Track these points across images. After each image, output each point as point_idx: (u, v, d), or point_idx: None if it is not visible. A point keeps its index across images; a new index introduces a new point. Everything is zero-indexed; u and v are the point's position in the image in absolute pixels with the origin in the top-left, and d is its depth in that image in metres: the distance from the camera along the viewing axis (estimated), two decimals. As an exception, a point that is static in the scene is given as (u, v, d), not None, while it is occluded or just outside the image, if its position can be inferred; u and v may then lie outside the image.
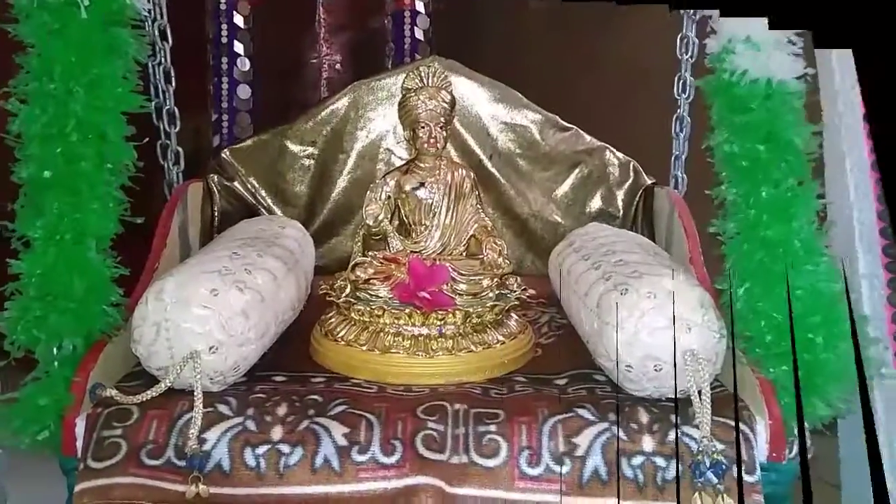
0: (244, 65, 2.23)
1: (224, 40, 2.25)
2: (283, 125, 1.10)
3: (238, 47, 2.23)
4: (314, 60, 2.57)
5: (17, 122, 0.70)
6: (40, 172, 0.70)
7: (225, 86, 2.27)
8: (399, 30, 2.51)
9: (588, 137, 1.10)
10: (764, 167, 0.70)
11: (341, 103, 1.09)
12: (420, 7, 2.47)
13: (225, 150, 1.07)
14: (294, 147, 1.08)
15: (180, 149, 1.02)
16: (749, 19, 0.72)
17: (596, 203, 1.10)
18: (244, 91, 2.26)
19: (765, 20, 0.70)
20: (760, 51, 0.71)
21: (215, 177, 1.04)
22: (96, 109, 0.70)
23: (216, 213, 1.03)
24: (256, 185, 1.07)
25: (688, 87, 1.04)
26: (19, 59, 0.72)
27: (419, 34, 2.51)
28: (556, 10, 2.44)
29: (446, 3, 2.66)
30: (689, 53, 1.02)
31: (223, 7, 2.19)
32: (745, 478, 0.62)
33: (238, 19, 2.21)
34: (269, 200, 1.08)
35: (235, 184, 1.06)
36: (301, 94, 2.61)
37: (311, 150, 1.09)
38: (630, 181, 1.08)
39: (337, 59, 2.58)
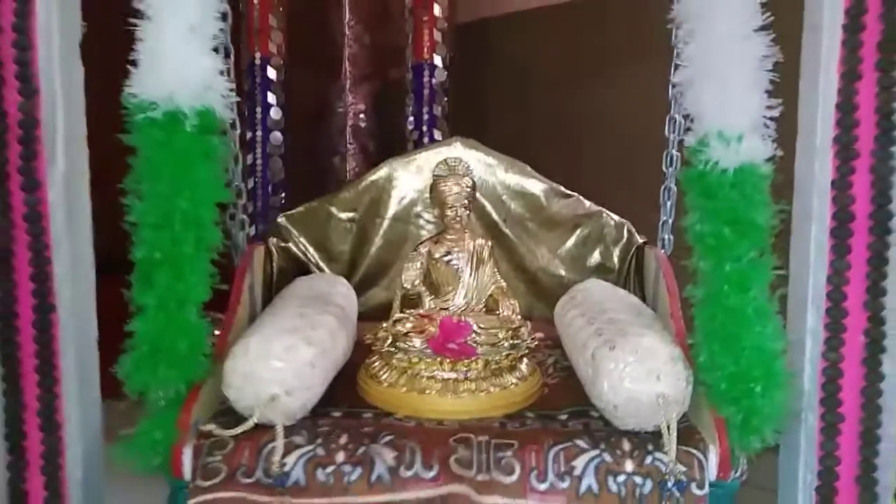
0: (277, 114, 2.44)
1: (258, 92, 2.46)
2: (329, 195, 1.29)
3: (271, 98, 2.45)
4: (340, 109, 2.76)
5: (134, 214, 0.89)
6: (152, 253, 0.89)
7: (259, 133, 2.48)
8: (419, 81, 2.70)
9: (587, 203, 1.28)
10: (728, 245, 0.87)
11: (377, 175, 1.28)
12: (438, 61, 2.66)
13: (280, 216, 1.26)
14: (338, 213, 1.27)
15: (245, 216, 1.20)
16: (725, 112, 0.89)
17: (595, 259, 1.28)
18: (276, 138, 2.47)
19: (740, 110, 0.86)
20: (730, 144, 0.88)
21: (274, 240, 1.23)
22: (196, 203, 0.89)
23: (275, 271, 1.22)
24: (307, 246, 1.26)
25: (674, 161, 1.19)
26: (131, 160, 0.91)
27: (437, 85, 2.71)
28: (562, 67, 2.62)
29: (461, 55, 2.84)
30: (676, 132, 1.18)
31: (258, 62, 2.40)
32: (696, 492, 0.80)
33: (271, 73, 2.42)
34: (317, 258, 1.26)
35: (290, 245, 1.24)
36: (328, 139, 2.80)
37: (352, 215, 1.27)
38: (624, 240, 1.26)
39: (361, 107, 2.77)
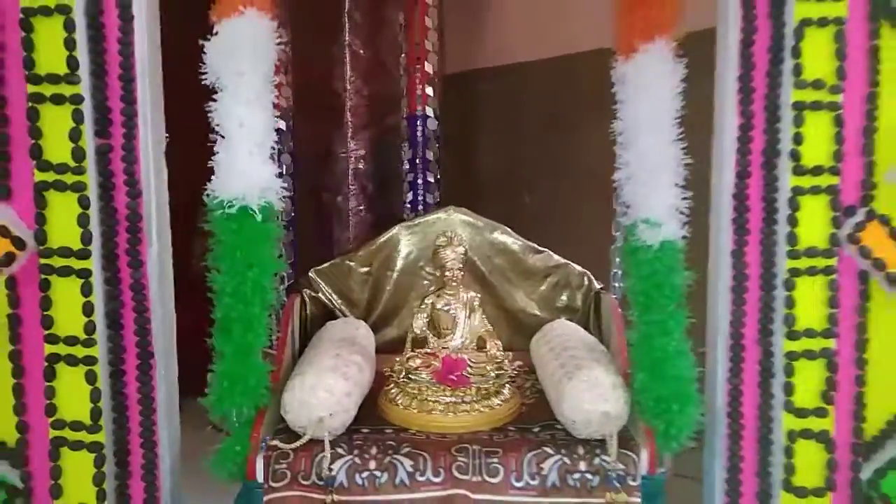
0: (287, 160, 2.72)
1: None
2: (349, 253, 1.58)
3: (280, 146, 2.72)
4: (343, 154, 3.03)
5: (215, 284, 1.17)
6: (229, 313, 1.17)
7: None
8: (413, 129, 2.99)
9: (555, 256, 1.57)
10: (653, 301, 1.16)
11: (388, 237, 1.57)
12: (429, 112, 2.95)
13: (311, 271, 1.55)
14: (357, 267, 1.56)
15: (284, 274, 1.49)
16: (650, 204, 1.18)
17: (562, 301, 1.57)
18: (286, 181, 2.74)
19: (661, 202, 1.16)
20: (654, 228, 1.18)
21: (307, 290, 1.51)
22: (261, 275, 1.18)
23: (307, 316, 1.50)
24: (332, 294, 1.55)
25: (621, 229, 1.47)
26: (211, 243, 1.19)
27: (429, 133, 3.00)
28: (541, 115, 2.91)
29: (450, 102, 3.13)
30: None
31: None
32: (631, 483, 1.09)
33: (281, 123, 2.71)
34: (340, 304, 1.55)
35: (319, 294, 1.53)
36: (332, 181, 3.07)
37: (368, 269, 1.56)
38: (585, 286, 1.55)
39: (361, 152, 3.04)
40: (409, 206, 3.06)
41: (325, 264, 1.57)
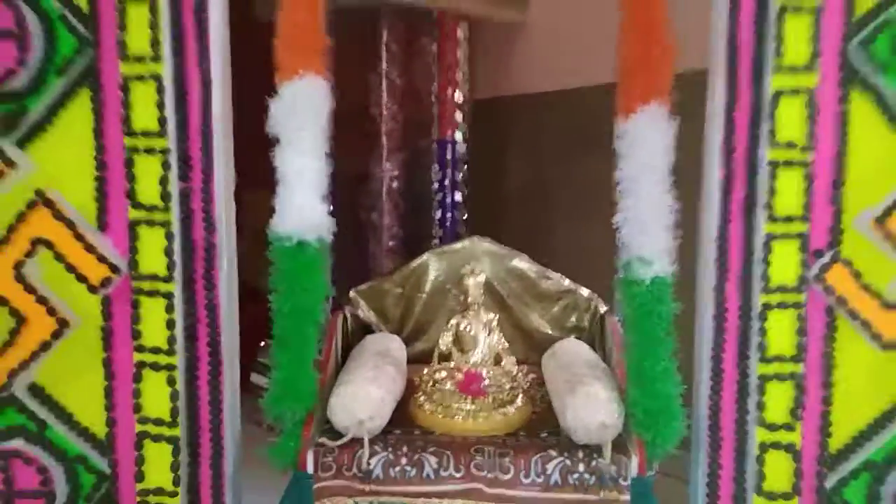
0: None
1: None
2: (385, 276, 1.79)
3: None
4: (378, 174, 3.26)
5: (274, 304, 1.39)
6: (285, 329, 1.38)
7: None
8: (442, 153, 3.22)
9: (566, 281, 1.76)
10: (645, 328, 1.34)
11: (418, 262, 1.77)
12: (458, 137, 3.17)
13: (352, 291, 1.76)
14: (392, 288, 1.77)
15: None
16: (643, 244, 1.37)
17: (572, 321, 1.76)
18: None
19: (654, 244, 1.35)
20: (646, 265, 1.37)
21: (349, 308, 1.73)
22: (313, 298, 1.38)
23: (348, 330, 1.71)
24: (369, 312, 1.76)
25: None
26: (272, 270, 1.40)
27: (458, 156, 3.22)
28: (562, 141, 3.10)
29: (481, 129, 3.34)
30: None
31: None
32: (622, 483, 1.28)
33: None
34: (376, 320, 1.75)
35: (358, 312, 1.74)
36: (368, 199, 3.30)
37: (401, 290, 1.77)
38: (592, 309, 1.74)
39: (395, 173, 3.27)
40: (438, 222, 3.29)
41: (364, 285, 1.78)
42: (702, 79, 1.38)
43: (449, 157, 3.18)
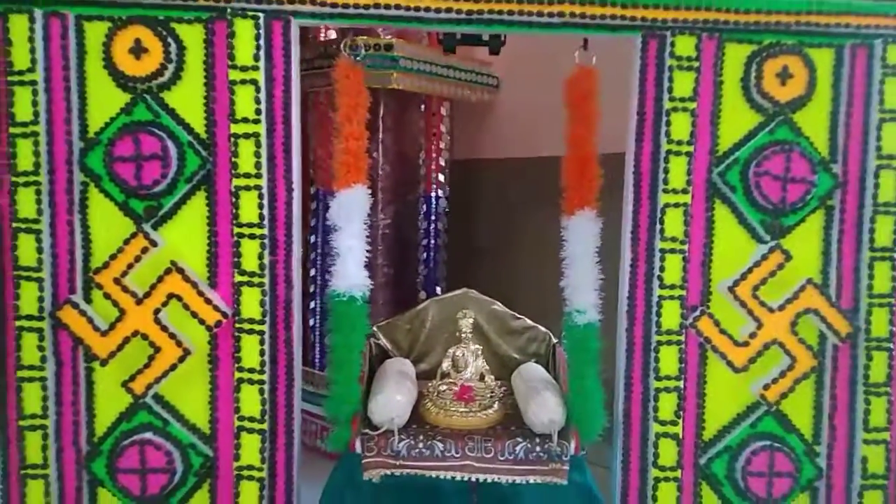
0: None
1: (320, 211, 3.59)
2: (398, 315, 2.44)
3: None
4: (373, 222, 3.89)
5: (332, 339, 2.02)
6: (339, 356, 2.02)
7: (319, 238, 3.62)
8: (427, 206, 3.87)
9: (529, 321, 2.43)
10: (579, 357, 2.01)
11: (423, 306, 2.42)
12: (441, 193, 3.84)
13: (374, 326, 2.40)
14: (402, 325, 2.41)
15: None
16: (578, 299, 2.05)
17: (533, 349, 2.42)
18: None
19: (586, 299, 2.03)
20: (581, 314, 2.04)
21: (373, 339, 2.37)
22: (358, 336, 2.02)
23: (372, 354, 2.35)
24: (385, 341, 2.40)
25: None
26: (329, 317, 2.04)
27: (440, 209, 3.87)
28: (529, 201, 3.77)
29: (458, 185, 3.99)
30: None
31: (319, 191, 3.54)
32: (564, 458, 1.93)
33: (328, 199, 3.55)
34: (390, 347, 2.40)
35: (379, 341, 2.39)
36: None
37: (410, 326, 2.41)
38: (547, 341, 2.41)
39: (388, 221, 3.89)
40: (423, 263, 3.94)
41: (383, 322, 2.43)
42: (621, 158, 2.03)
43: (432, 209, 3.84)
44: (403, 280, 3.89)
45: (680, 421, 2.06)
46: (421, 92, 3.60)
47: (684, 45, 1.97)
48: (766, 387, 2.05)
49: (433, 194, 3.86)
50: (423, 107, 3.89)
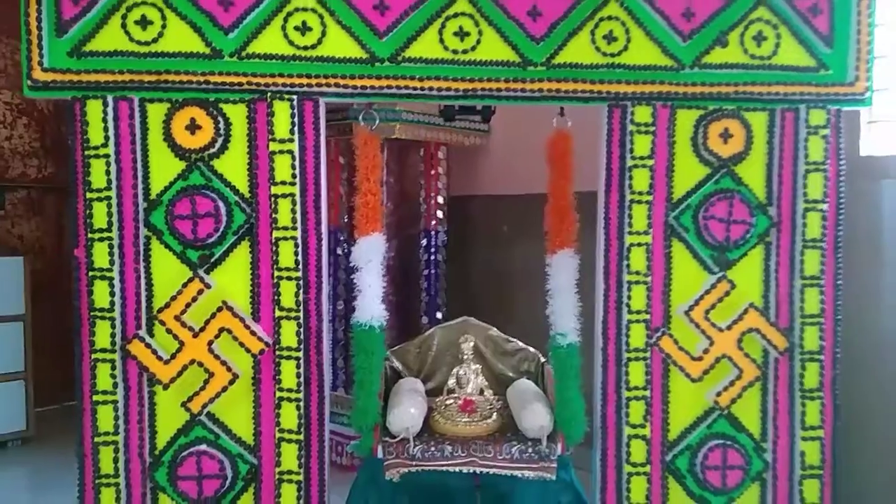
0: (343, 263, 3.96)
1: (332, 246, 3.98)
2: (408, 342, 2.84)
3: (339, 251, 3.99)
4: (379, 255, 4.29)
5: (355, 363, 2.41)
6: (362, 376, 2.41)
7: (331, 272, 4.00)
8: (427, 239, 4.29)
9: (520, 343, 2.83)
10: (563, 374, 2.40)
11: (430, 333, 2.82)
12: (440, 228, 4.25)
13: (388, 351, 2.79)
14: (412, 349, 2.81)
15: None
16: (561, 324, 2.45)
17: (525, 367, 2.80)
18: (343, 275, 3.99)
19: (567, 324, 2.43)
20: (563, 337, 2.44)
21: (387, 361, 2.76)
22: (377, 359, 2.42)
23: (388, 375, 2.75)
24: (397, 363, 2.80)
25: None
26: (352, 341, 2.44)
27: (440, 243, 4.29)
28: (520, 234, 4.18)
29: (454, 219, 4.40)
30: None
31: (331, 230, 3.93)
32: (553, 457, 2.32)
33: (341, 235, 3.97)
34: (402, 369, 2.80)
35: (393, 363, 2.78)
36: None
37: (418, 350, 2.81)
38: (536, 360, 2.80)
39: (391, 254, 4.28)
40: (424, 291, 4.35)
41: (396, 347, 2.83)
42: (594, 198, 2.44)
43: (432, 242, 4.26)
44: (407, 307, 4.31)
45: (648, 424, 2.46)
46: (420, 139, 4.03)
47: (642, 114, 2.39)
48: (718, 394, 2.43)
49: (433, 229, 4.29)
50: (422, 151, 4.33)
